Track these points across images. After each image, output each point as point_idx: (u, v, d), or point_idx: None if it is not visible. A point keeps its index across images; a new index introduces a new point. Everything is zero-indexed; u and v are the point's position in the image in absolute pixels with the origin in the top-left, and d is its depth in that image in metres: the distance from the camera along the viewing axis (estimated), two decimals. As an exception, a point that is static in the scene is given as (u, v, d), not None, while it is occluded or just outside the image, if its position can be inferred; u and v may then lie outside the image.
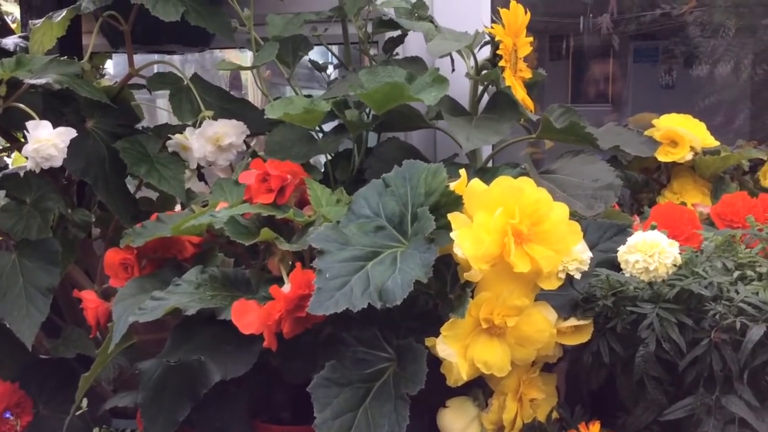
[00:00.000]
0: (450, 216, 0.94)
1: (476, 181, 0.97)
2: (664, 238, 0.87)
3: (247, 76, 2.31)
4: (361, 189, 1.05)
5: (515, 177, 1.05)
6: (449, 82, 1.19)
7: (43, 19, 1.31)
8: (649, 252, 0.86)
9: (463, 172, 1.00)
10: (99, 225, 1.51)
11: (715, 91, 2.66)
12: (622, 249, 0.90)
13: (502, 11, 1.25)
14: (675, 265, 0.87)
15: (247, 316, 0.98)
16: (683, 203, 1.24)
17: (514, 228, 0.91)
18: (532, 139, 1.30)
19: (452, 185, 0.98)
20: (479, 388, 1.00)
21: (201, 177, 1.50)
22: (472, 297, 0.93)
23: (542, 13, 2.76)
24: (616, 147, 1.27)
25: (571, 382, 1.09)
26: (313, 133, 1.32)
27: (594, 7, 2.63)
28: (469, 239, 0.91)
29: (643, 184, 1.38)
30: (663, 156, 1.28)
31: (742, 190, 1.33)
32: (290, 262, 1.04)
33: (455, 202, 0.97)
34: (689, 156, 1.27)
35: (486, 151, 1.38)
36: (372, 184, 1.04)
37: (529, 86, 1.38)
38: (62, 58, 1.29)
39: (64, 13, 1.30)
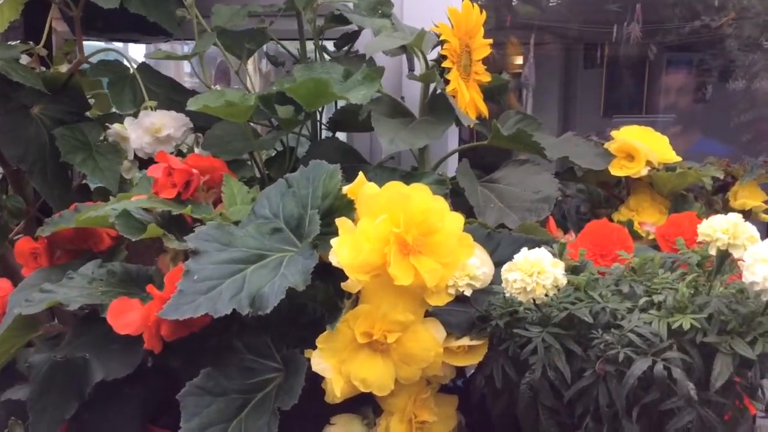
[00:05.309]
0: (338, 221, 0.88)
1: (369, 186, 0.91)
2: (549, 257, 0.79)
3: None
4: (266, 188, 1.00)
5: (431, 183, 1.00)
6: (380, 80, 1.13)
7: (-11, 1, 1.30)
8: (529, 271, 0.78)
9: (361, 174, 0.94)
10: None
11: (749, 107, 2.55)
12: (504, 267, 0.82)
13: (450, 10, 1.18)
14: (557, 287, 0.79)
15: (127, 316, 0.93)
16: (630, 221, 1.15)
17: (397, 237, 0.84)
18: (482, 145, 1.23)
19: (345, 188, 0.92)
20: (369, 406, 0.94)
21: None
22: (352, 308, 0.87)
23: (579, 22, 2.70)
24: (565, 158, 1.19)
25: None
26: (258, 129, 1.28)
27: (625, 16, 2.55)
28: (348, 246, 0.84)
29: (604, 200, 1.29)
30: (617, 170, 1.19)
31: (709, 211, 1.24)
32: (183, 261, 0.99)
33: (347, 207, 0.91)
34: (644, 171, 1.18)
35: (437, 156, 1.31)
36: (277, 183, 0.99)
37: (492, 90, 1.32)
38: (4, 43, 1.27)
39: (9, -4, 1.27)
